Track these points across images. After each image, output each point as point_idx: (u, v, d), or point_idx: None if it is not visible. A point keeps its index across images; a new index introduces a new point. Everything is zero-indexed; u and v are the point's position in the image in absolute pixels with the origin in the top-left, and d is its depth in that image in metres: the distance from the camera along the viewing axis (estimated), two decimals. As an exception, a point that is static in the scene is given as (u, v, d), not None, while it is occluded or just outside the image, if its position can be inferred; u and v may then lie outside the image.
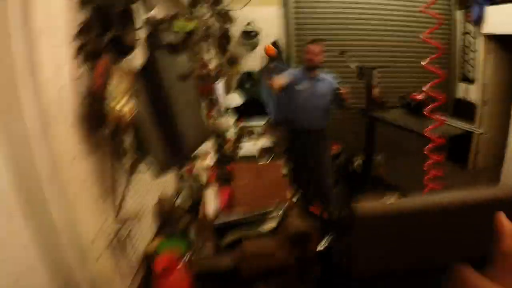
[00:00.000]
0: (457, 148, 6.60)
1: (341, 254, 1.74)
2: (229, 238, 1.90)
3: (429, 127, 3.83)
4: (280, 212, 2.05)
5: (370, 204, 1.43)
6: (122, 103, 1.53)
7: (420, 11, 3.81)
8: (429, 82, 3.57)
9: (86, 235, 1.57)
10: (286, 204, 2.19)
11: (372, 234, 1.42)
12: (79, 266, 1.57)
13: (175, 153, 1.69)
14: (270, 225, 1.99)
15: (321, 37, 6.00)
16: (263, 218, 2.01)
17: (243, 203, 2.39)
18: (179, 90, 1.69)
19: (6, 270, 1.31)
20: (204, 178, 3.10)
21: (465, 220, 1.50)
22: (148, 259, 2.14)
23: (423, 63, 3.51)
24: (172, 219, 2.42)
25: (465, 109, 6.24)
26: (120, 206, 1.88)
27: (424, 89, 3.63)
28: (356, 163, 6.00)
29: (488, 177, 5.87)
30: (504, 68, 5.90)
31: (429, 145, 3.70)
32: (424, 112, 4.05)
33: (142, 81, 1.63)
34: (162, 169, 1.71)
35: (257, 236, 1.93)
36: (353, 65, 5.26)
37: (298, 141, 4.88)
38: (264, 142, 4.51)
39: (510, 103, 5.46)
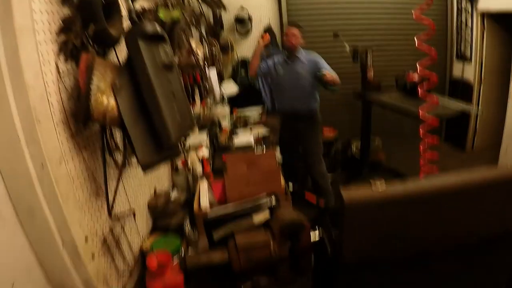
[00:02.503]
0: (455, 129, 6.59)
1: (334, 242, 1.72)
2: (220, 232, 1.89)
3: (423, 107, 3.79)
4: (272, 203, 2.03)
5: (357, 191, 1.41)
6: (106, 97, 1.51)
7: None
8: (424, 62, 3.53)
9: (79, 234, 1.56)
10: (278, 194, 2.18)
11: (360, 220, 1.41)
12: (73, 265, 1.57)
13: (160, 146, 1.67)
14: (261, 216, 1.97)
15: (314, 20, 6.02)
16: (254, 209, 1.99)
17: (236, 193, 2.36)
18: (163, 81, 1.66)
19: (2, 275, 1.31)
20: (199, 169, 3.09)
21: (457, 203, 1.49)
22: (144, 256, 2.14)
23: (416, 41, 3.46)
24: (167, 214, 2.42)
25: (461, 89, 6.21)
26: (113, 203, 1.87)
27: (417, 67, 3.57)
28: (353, 148, 5.97)
29: (487, 158, 5.83)
30: (499, 46, 5.87)
31: (423, 127, 3.66)
32: (418, 93, 4.01)
33: (126, 73, 1.61)
34: (148, 164, 1.69)
35: (249, 229, 1.92)
36: (347, 47, 5.23)
37: (287, 127, 4.82)
38: (259, 131, 4.48)
39: (506, 81, 5.45)
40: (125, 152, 1.93)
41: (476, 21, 5.82)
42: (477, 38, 5.89)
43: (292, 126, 4.82)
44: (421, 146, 3.58)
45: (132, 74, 1.61)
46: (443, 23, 6.34)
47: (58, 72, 1.51)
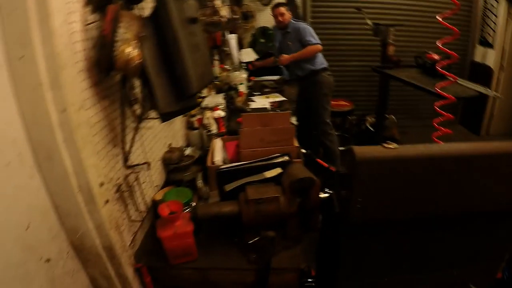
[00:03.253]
0: (471, 113, 6.51)
1: (342, 201, 1.70)
2: (232, 184, 1.91)
3: (441, 84, 3.71)
4: (284, 159, 2.07)
5: (369, 149, 1.38)
6: (131, 47, 1.53)
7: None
8: (449, 44, 3.40)
9: (94, 179, 1.59)
10: (291, 151, 2.22)
11: (370, 178, 1.39)
12: (87, 210, 1.61)
13: (181, 96, 1.70)
14: (273, 171, 2.00)
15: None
16: (267, 165, 2.01)
17: (249, 150, 2.37)
18: (187, 33, 1.68)
19: (17, 217, 1.35)
20: (214, 128, 3.12)
21: (466, 170, 1.45)
22: (156, 207, 2.19)
23: (438, 17, 3.37)
24: (180, 168, 2.46)
25: (481, 73, 6.09)
26: (128, 153, 1.91)
27: (437, 43, 3.47)
28: (368, 122, 5.94)
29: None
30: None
31: (440, 102, 3.59)
32: (436, 68, 3.92)
33: (151, 25, 1.63)
34: (168, 113, 1.72)
35: (260, 183, 1.94)
36: (369, 22, 5.17)
37: (299, 93, 5.07)
38: (275, 97, 4.50)
39: None
40: (143, 104, 1.97)
41: (503, 8, 5.70)
42: (502, 25, 5.76)
43: (300, 91, 5.04)
44: (434, 122, 3.51)
45: (157, 27, 1.62)
46: (468, 8, 6.20)
47: (84, 21, 1.53)
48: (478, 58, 6.31)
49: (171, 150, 2.54)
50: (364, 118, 6.02)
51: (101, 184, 1.65)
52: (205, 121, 3.09)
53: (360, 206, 1.44)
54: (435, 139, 3.43)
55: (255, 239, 1.87)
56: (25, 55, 1.32)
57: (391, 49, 5.22)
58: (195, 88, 1.69)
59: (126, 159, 1.90)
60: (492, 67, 5.98)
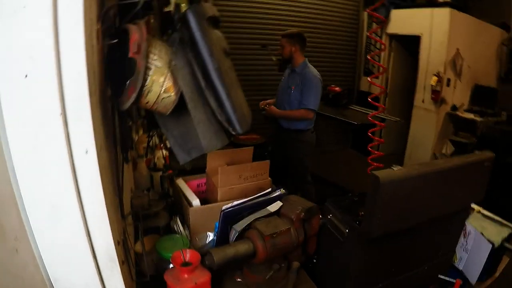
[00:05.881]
0: (359, 138, 6.78)
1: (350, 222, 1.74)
2: (242, 223, 1.72)
3: (373, 113, 3.76)
4: (282, 192, 1.96)
5: (385, 172, 1.51)
6: (163, 77, 1.20)
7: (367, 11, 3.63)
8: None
9: (114, 235, 1.21)
10: (266, 185, 2.16)
11: (389, 196, 1.51)
12: (103, 276, 1.21)
13: (223, 136, 1.39)
14: (275, 205, 1.85)
15: (241, 30, 5.82)
16: (268, 200, 1.88)
17: (228, 187, 2.17)
18: (226, 65, 1.36)
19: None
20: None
21: (454, 179, 1.73)
22: (138, 259, 1.79)
23: (368, 57, 3.44)
24: (151, 214, 2.10)
25: (367, 100, 6.40)
26: (122, 202, 1.52)
27: (368, 79, 3.53)
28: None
29: (391, 162, 6.06)
30: (404, 64, 6.21)
31: (374, 129, 3.60)
32: (368, 99, 3.95)
33: (183, 54, 1.28)
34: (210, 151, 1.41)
35: (266, 218, 1.78)
36: (274, 58, 5.16)
37: (275, 138, 4.55)
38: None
39: (408, 95, 5.81)
40: (126, 144, 1.61)
41: (387, 42, 6.14)
42: (384, 57, 6.18)
43: (277, 139, 4.54)
44: (369, 146, 3.52)
45: (190, 56, 1.28)
46: (354, 45, 6.57)
47: (98, 37, 1.15)
48: (364, 87, 6.65)
49: (139, 195, 2.15)
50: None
51: (118, 243, 1.26)
52: (155, 161, 2.71)
53: (378, 221, 1.56)
54: (370, 161, 3.43)
55: (271, 273, 1.71)
56: (31, 73, 0.92)
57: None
58: (244, 126, 1.38)
59: (121, 208, 1.51)
60: (376, 94, 6.32)
